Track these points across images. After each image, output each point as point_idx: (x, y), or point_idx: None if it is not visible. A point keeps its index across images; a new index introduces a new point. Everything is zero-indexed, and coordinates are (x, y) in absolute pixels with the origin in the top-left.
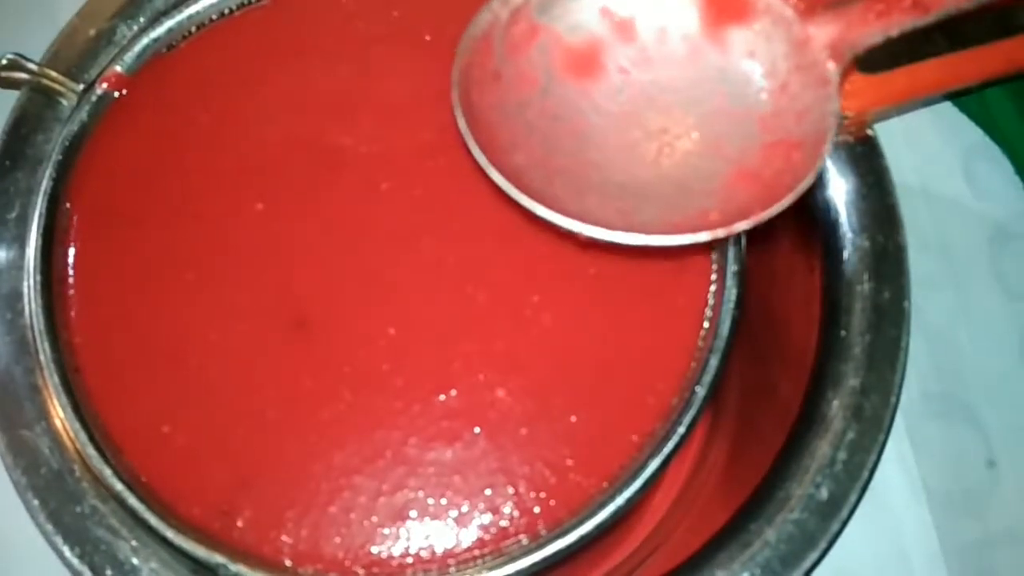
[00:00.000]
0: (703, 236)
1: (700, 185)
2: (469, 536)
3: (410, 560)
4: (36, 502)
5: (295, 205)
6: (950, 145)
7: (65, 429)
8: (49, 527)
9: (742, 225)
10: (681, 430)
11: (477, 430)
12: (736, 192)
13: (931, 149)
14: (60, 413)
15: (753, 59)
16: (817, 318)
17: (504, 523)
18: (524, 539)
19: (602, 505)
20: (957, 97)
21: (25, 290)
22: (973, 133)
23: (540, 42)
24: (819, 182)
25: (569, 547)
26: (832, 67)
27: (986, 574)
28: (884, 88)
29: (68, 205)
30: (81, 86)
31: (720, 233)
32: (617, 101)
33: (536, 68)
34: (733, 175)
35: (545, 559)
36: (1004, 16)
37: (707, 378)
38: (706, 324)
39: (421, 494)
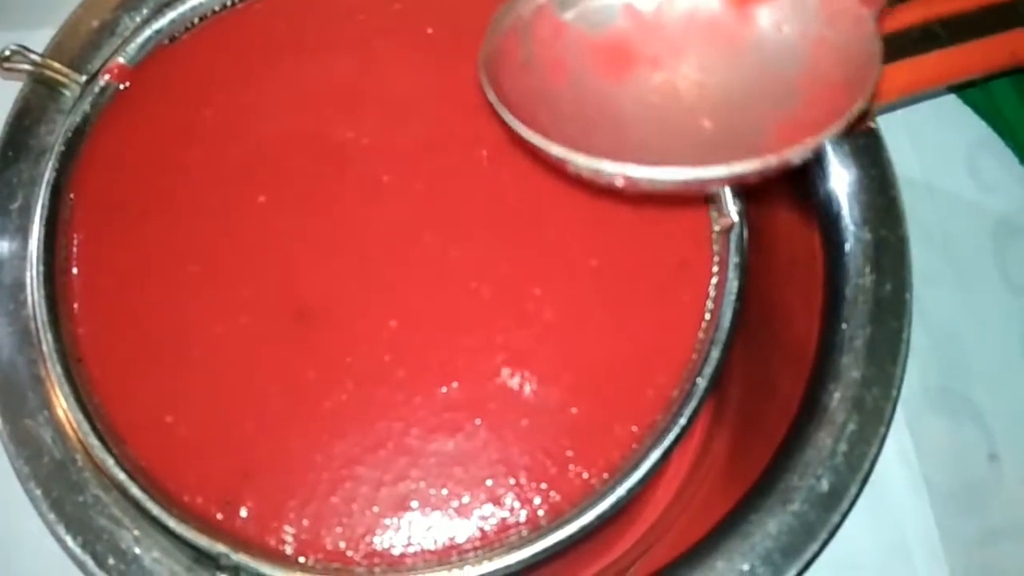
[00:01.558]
0: (754, 163)
1: (746, 142)
2: (470, 527)
3: (412, 550)
4: (39, 491)
5: (298, 198)
6: (954, 138)
7: (68, 419)
8: (52, 516)
9: (794, 151)
10: (682, 421)
11: (478, 421)
12: (782, 139)
13: (934, 142)
14: (63, 403)
15: (784, 30)
16: (818, 310)
17: (505, 514)
18: (525, 530)
19: (603, 496)
20: (961, 89)
21: (28, 280)
22: (977, 126)
23: (567, 39)
24: (821, 174)
25: (570, 538)
26: (866, 11)
27: (987, 568)
28: (886, 81)
29: (71, 196)
30: (84, 77)
31: (771, 161)
32: (651, 87)
33: (566, 60)
34: (778, 129)
35: (546, 550)
36: (1007, 8)
37: (708, 370)
38: (707, 316)
39: (423, 485)
